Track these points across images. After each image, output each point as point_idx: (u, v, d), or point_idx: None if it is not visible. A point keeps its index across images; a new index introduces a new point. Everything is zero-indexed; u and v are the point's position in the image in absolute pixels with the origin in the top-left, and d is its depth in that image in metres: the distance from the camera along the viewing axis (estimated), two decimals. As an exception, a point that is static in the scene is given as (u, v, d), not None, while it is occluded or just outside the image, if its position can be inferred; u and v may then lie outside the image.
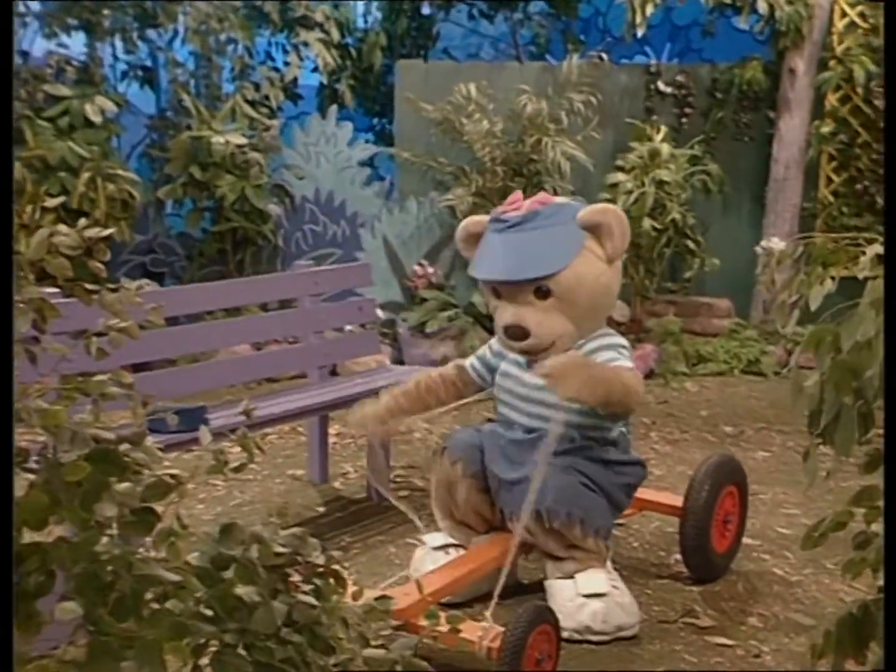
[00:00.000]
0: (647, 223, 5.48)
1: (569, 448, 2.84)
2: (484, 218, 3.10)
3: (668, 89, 6.20)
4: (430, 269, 6.12)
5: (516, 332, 2.88)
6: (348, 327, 5.28)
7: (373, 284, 4.49)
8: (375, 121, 7.63)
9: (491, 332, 6.00)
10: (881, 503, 1.67)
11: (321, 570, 1.55)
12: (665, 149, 5.51)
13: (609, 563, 2.94)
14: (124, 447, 1.33)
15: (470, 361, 3.24)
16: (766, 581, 3.25)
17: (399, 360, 5.78)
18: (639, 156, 5.53)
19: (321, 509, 3.97)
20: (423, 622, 2.55)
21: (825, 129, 6.19)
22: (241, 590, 1.28)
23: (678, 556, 3.42)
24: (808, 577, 3.28)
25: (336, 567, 1.58)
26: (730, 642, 2.83)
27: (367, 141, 6.67)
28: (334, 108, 6.50)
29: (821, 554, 3.45)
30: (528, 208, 2.91)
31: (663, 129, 5.71)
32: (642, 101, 6.30)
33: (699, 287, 6.36)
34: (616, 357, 2.87)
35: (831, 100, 6.38)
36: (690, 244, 5.85)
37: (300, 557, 1.53)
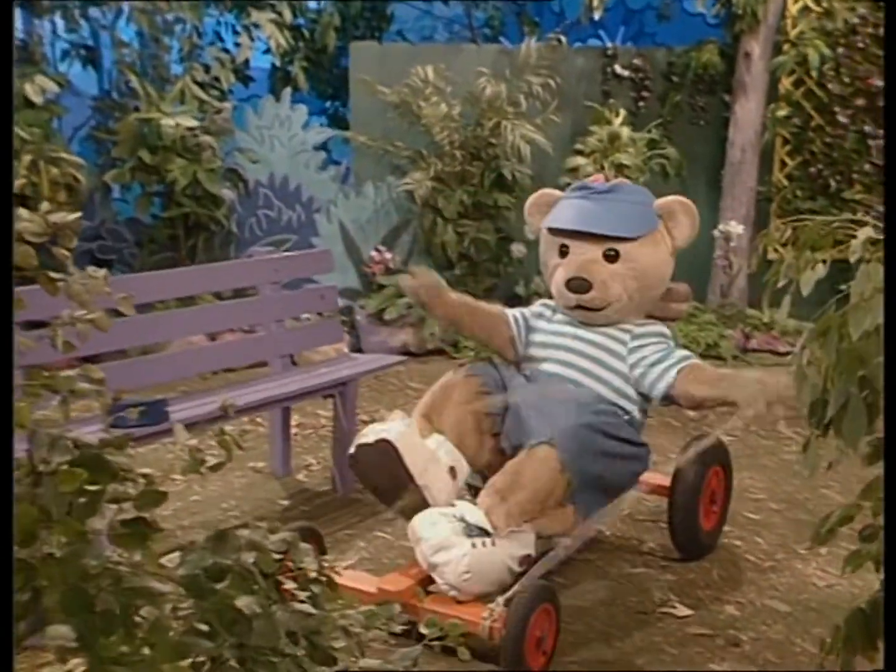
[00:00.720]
0: (607, 208, 5.44)
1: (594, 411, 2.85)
2: (557, 192, 3.22)
3: (626, 73, 6.17)
4: (388, 255, 6.02)
5: (581, 285, 2.97)
6: (304, 315, 5.17)
7: (333, 271, 4.38)
8: (329, 104, 7.50)
9: (450, 319, 5.95)
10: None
11: (315, 576, 1.47)
12: (625, 132, 5.48)
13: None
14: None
15: (511, 312, 3.23)
16: (739, 568, 3.25)
17: (357, 348, 5.68)
18: (598, 139, 5.48)
19: (285, 503, 3.87)
20: (420, 604, 2.52)
21: (781, 113, 6.21)
22: (241, 601, 1.20)
23: (652, 544, 3.41)
24: (781, 563, 3.28)
25: (330, 573, 1.50)
26: (708, 632, 2.81)
27: (321, 125, 6.53)
28: (288, 90, 6.35)
29: (791, 539, 3.46)
30: (613, 182, 3.12)
31: (622, 112, 5.67)
32: (599, 85, 6.26)
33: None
34: (685, 354, 3.01)
35: (785, 83, 6.41)
36: (650, 229, 5.83)
37: (292, 563, 1.46)
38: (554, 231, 3.09)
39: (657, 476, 3.36)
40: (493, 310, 3.24)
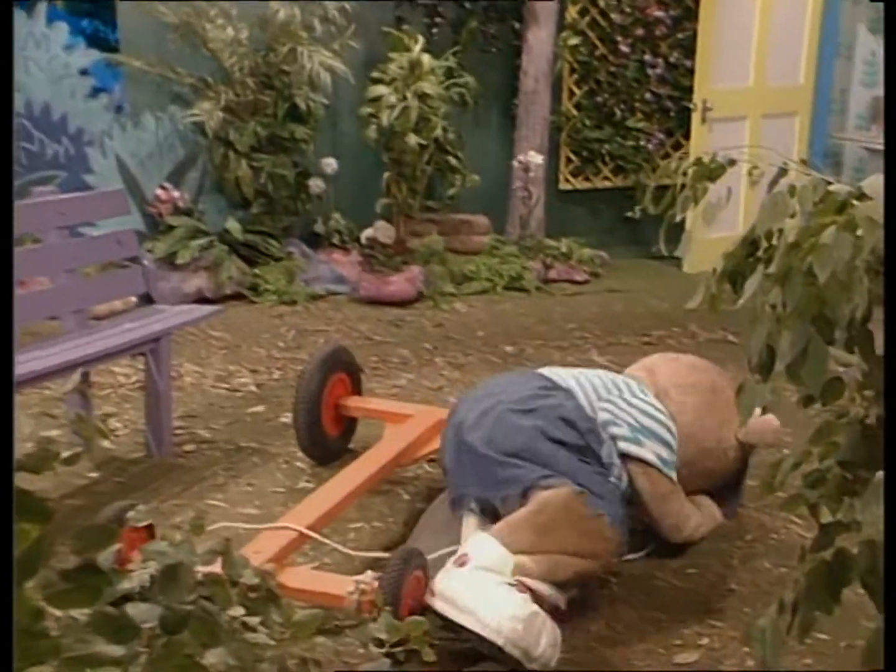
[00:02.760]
0: (412, 139, 5.23)
1: None
2: None
3: (418, -2, 5.92)
4: (176, 193, 5.50)
5: None
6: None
7: (129, 213, 3.92)
8: (86, 22, 6.71)
9: (248, 261, 5.57)
10: (839, 439, 1.59)
11: (257, 591, 1.22)
12: (426, 60, 5.26)
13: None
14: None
15: None
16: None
17: (146, 297, 5.18)
18: (399, 66, 5.23)
19: (94, 475, 3.46)
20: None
21: (572, 42, 6.22)
22: (212, 656, 0.94)
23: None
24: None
25: (271, 584, 1.25)
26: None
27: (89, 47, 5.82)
28: (44, 4, 5.59)
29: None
30: None
31: (421, 39, 5.43)
32: (392, 10, 5.97)
33: (452, 204, 6.22)
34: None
35: (571, 12, 6.41)
36: (452, 160, 5.69)
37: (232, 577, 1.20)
38: None
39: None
40: None
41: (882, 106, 6.71)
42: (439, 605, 2.28)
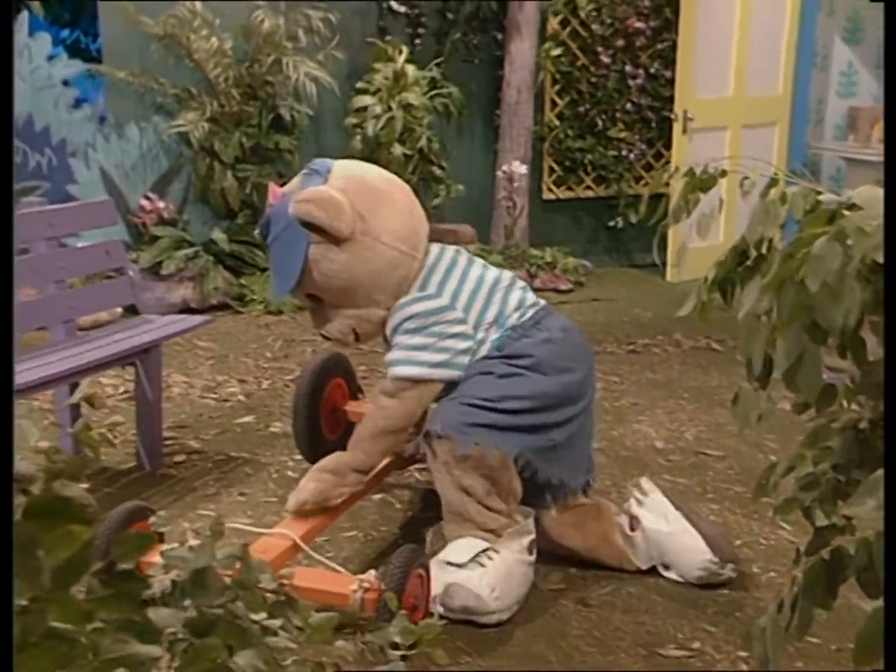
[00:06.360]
0: (397, 149, 5.26)
1: None
2: None
3: (402, 8, 5.96)
4: (161, 203, 5.51)
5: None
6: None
7: (117, 223, 3.92)
8: (67, 33, 6.73)
9: (234, 271, 5.57)
10: (832, 443, 1.63)
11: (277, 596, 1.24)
12: (411, 71, 5.29)
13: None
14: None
15: None
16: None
17: (131, 307, 5.17)
18: (384, 77, 5.26)
19: (83, 486, 3.44)
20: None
21: (555, 53, 6.28)
22: (242, 659, 0.96)
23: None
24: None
25: (288, 588, 1.27)
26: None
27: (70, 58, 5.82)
28: (26, 14, 5.59)
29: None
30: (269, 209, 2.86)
31: (405, 49, 5.47)
32: (375, 21, 6.01)
33: (437, 214, 6.26)
34: None
35: (553, 23, 6.48)
36: (436, 170, 5.72)
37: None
38: None
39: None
40: None
41: (858, 115, 6.82)
42: None
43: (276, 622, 1.14)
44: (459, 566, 2.51)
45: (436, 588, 2.48)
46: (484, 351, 2.71)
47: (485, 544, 2.56)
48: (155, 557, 1.24)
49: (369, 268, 2.69)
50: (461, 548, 2.55)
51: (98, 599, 0.79)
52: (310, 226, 2.63)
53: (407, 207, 2.79)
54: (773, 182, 1.83)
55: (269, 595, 1.21)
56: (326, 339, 2.87)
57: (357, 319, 2.78)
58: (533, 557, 2.67)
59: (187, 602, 1.02)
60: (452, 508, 2.63)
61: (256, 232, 2.89)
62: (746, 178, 2.00)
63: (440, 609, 2.49)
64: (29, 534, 0.75)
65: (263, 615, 1.08)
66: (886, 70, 1.55)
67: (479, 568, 2.52)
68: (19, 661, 0.77)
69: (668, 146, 6.48)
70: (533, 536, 2.66)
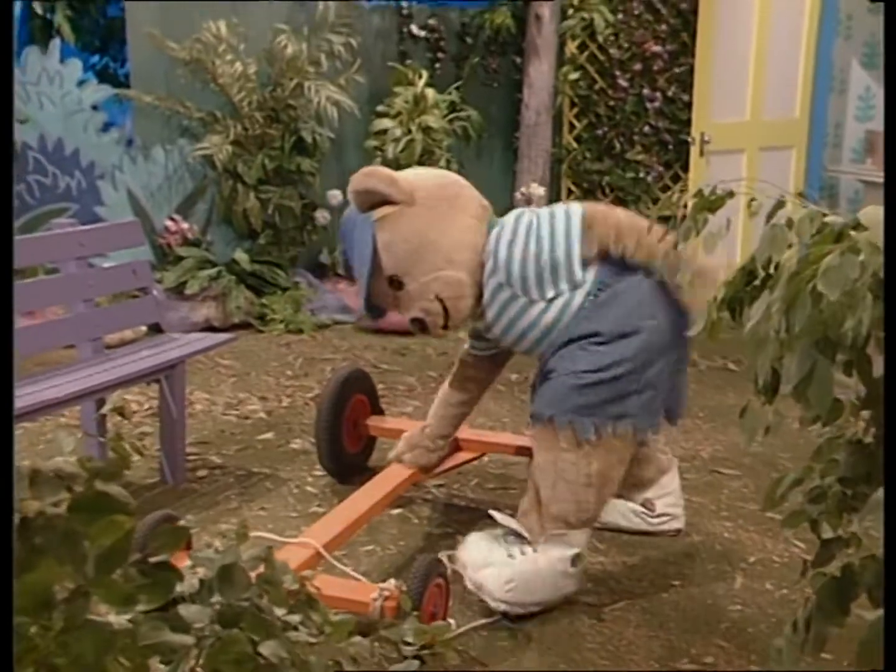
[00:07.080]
0: (417, 171, 5.35)
1: None
2: None
3: (422, 33, 6.07)
4: (185, 225, 5.62)
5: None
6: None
7: (144, 244, 4.02)
8: (97, 58, 6.86)
9: (256, 291, 5.66)
10: (838, 457, 1.67)
11: (300, 596, 1.30)
12: (430, 94, 5.39)
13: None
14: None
15: None
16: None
17: (155, 326, 5.27)
18: (404, 100, 5.36)
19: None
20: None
21: (572, 76, 6.36)
22: (266, 649, 1.02)
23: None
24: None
25: (310, 590, 1.33)
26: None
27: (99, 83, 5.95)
28: (57, 41, 5.73)
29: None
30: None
31: (425, 73, 5.58)
32: (396, 45, 6.12)
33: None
34: None
35: (571, 47, 6.57)
36: (455, 192, 5.79)
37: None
38: None
39: (511, 436, 3.47)
40: None
41: (876, 140, 6.85)
42: None
43: (297, 617, 1.20)
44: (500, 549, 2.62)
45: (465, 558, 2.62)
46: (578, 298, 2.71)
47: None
48: (184, 562, 1.31)
49: (435, 226, 2.78)
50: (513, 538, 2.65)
51: (137, 587, 0.85)
52: (370, 205, 2.78)
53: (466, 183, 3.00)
54: (780, 205, 1.88)
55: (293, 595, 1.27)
56: (417, 328, 2.85)
57: (439, 283, 2.76)
58: (574, 571, 2.67)
59: (214, 598, 1.08)
60: (553, 498, 2.65)
61: (339, 257, 3.04)
62: (753, 199, 2.06)
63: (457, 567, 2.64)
64: (74, 526, 0.82)
65: (283, 611, 1.14)
66: (886, 70, 1.60)
67: (508, 558, 2.60)
68: (64, 644, 0.84)
69: (686, 169, 6.54)
70: (579, 552, 2.67)
